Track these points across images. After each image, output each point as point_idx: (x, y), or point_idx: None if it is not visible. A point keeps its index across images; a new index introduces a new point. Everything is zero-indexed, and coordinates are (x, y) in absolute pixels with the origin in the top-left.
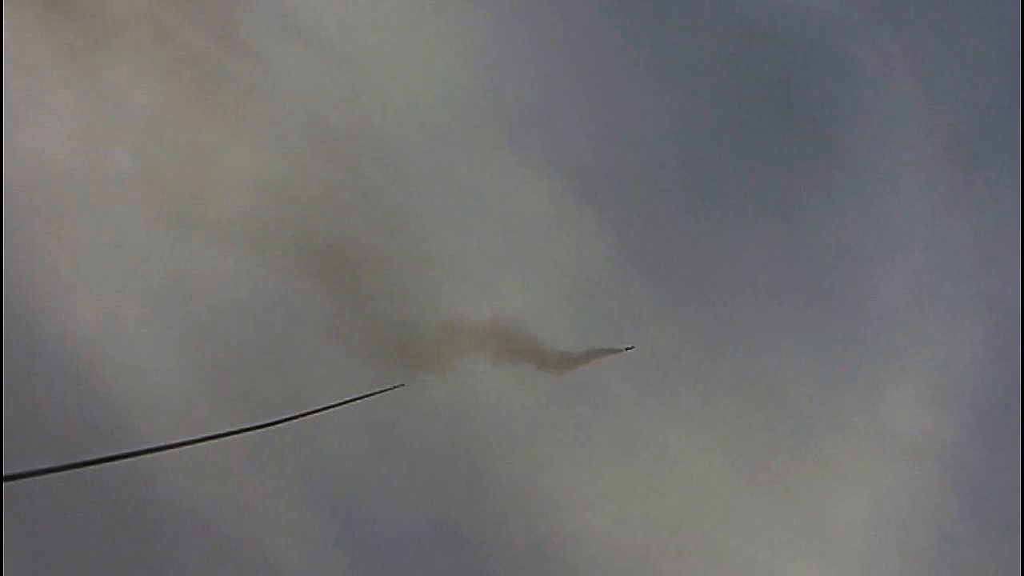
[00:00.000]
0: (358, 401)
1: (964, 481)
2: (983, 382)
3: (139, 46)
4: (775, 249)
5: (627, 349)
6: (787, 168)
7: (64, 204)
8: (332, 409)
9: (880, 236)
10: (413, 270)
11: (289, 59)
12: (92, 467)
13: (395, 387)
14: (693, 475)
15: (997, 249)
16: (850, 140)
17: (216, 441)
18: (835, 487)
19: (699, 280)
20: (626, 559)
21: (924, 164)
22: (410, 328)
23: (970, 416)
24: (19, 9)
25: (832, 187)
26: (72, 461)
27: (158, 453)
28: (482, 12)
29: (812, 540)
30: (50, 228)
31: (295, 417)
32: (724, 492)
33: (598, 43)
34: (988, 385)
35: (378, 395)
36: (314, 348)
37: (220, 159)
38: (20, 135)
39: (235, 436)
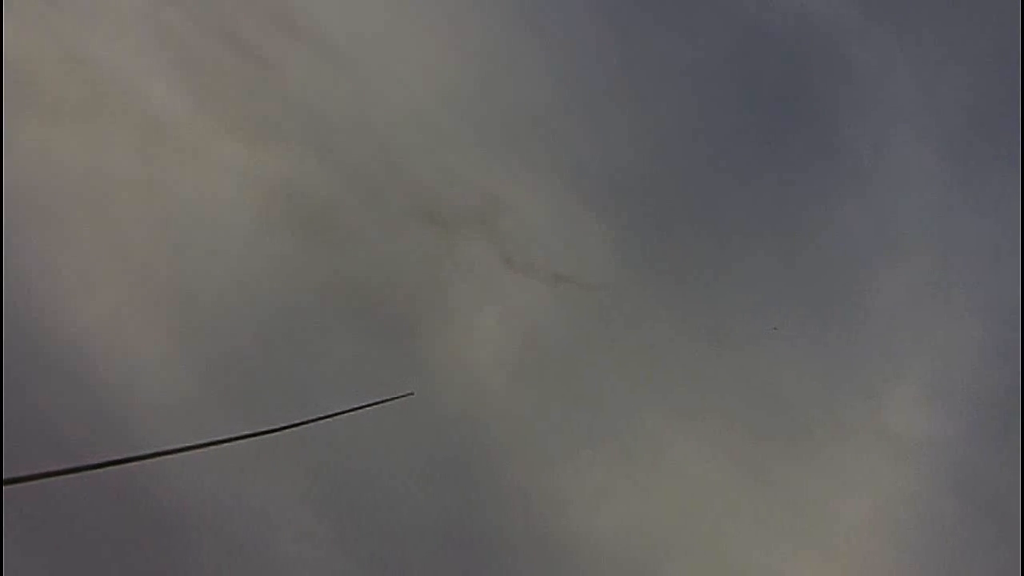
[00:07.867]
0: (367, 408)
1: (964, 481)
2: (983, 382)
3: (140, 46)
4: (774, 248)
5: (773, 329)
6: (786, 168)
7: (64, 204)
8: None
9: (880, 236)
10: (416, 270)
11: (289, 59)
12: (98, 470)
13: (404, 396)
14: (692, 475)
15: (997, 249)
16: (850, 140)
17: (224, 445)
18: (835, 487)
19: (698, 279)
20: (626, 559)
21: (924, 164)
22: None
23: (970, 416)
24: (19, 8)
25: (832, 187)
26: (74, 464)
27: (164, 456)
28: (484, 13)
29: (812, 540)
30: (50, 229)
31: (304, 423)
32: (723, 492)
33: (598, 44)
34: (988, 385)
35: (387, 403)
36: (320, 350)
37: (221, 159)
38: (20, 135)
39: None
